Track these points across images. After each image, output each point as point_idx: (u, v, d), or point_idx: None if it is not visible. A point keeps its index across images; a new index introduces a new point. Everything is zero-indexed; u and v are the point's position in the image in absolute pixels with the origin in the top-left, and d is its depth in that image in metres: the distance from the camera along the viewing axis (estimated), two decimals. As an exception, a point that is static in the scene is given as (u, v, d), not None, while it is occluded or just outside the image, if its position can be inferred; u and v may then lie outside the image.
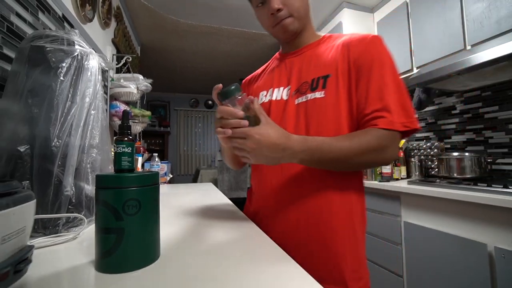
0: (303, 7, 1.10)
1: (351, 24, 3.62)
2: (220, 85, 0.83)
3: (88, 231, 0.96)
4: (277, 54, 1.30)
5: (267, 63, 1.35)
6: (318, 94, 1.03)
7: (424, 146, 3.29)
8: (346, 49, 1.06)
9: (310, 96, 1.05)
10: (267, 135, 0.81)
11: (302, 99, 1.07)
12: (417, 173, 3.10)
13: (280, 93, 1.14)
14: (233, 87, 0.82)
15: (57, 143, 0.92)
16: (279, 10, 1.05)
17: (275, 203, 1.09)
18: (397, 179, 2.99)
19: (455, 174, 2.49)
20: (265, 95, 1.19)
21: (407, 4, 3.09)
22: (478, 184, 2.12)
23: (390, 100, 0.94)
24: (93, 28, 2.51)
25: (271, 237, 0.91)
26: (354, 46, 1.05)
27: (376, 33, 3.47)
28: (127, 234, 0.64)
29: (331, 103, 1.02)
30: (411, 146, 3.50)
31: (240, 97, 0.84)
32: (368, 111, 0.96)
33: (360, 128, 1.00)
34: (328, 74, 1.04)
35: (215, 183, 5.69)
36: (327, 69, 1.06)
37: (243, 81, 1.37)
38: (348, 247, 1.03)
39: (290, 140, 0.85)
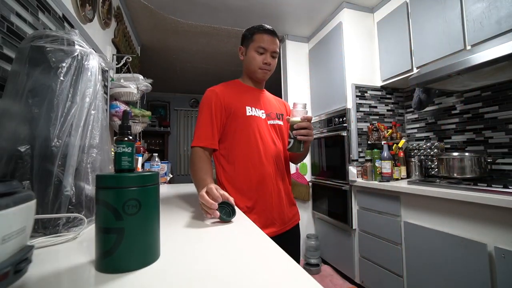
0: (274, 70, 1.78)
1: (351, 25, 3.62)
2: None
3: (88, 231, 0.96)
4: (238, 82, 1.85)
5: (232, 83, 1.83)
6: (280, 122, 1.83)
7: (424, 146, 3.30)
8: (284, 105, 2.00)
9: (278, 122, 1.81)
10: None
11: (273, 122, 1.78)
12: (417, 173, 3.09)
13: (258, 113, 1.74)
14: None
15: (57, 143, 0.92)
16: (269, 64, 1.70)
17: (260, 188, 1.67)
18: (397, 179, 2.99)
19: (455, 174, 2.49)
20: (250, 109, 1.71)
21: (407, 4, 3.09)
22: (478, 184, 2.12)
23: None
24: (93, 28, 2.51)
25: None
26: (286, 107, 2.01)
27: (376, 33, 3.50)
28: (127, 234, 0.64)
29: (285, 128, 1.84)
30: (411, 146, 3.51)
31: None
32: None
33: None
34: (282, 113, 1.88)
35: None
36: (279, 110, 1.88)
37: (213, 89, 1.73)
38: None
39: None
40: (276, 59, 1.75)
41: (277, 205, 1.68)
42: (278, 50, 1.73)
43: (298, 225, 1.85)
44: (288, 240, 1.70)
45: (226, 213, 1.14)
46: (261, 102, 1.79)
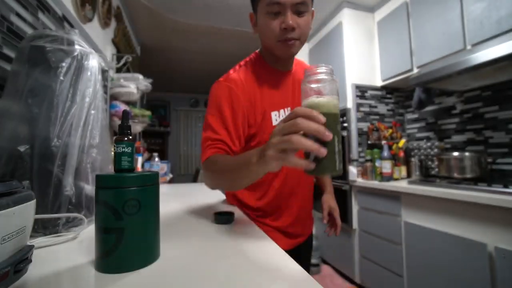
0: (308, 34, 1.16)
1: (351, 24, 3.62)
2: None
3: (88, 231, 0.96)
4: (259, 61, 1.30)
5: (251, 65, 1.29)
6: None
7: (424, 146, 3.30)
8: None
9: None
10: None
11: None
12: (417, 173, 3.09)
13: (286, 113, 1.23)
14: None
15: (57, 143, 0.92)
16: (293, 29, 1.07)
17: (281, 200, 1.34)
18: (397, 179, 3.00)
19: (455, 174, 2.49)
20: (277, 116, 1.24)
21: (407, 4, 3.08)
22: (478, 184, 2.12)
23: None
24: (93, 28, 2.52)
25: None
26: None
27: (376, 33, 3.49)
28: (127, 234, 0.64)
29: None
30: (411, 146, 3.51)
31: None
32: None
33: None
34: None
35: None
36: None
37: (228, 85, 1.19)
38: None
39: None
40: (308, 16, 1.12)
41: (300, 217, 1.42)
42: (307, 1, 1.09)
43: (312, 234, 1.59)
44: (305, 249, 1.52)
45: (225, 219, 1.09)
46: (289, 95, 1.30)
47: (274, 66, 1.29)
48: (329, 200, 1.65)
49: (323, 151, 0.62)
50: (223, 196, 1.80)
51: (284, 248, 0.86)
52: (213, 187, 1.13)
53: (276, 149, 0.68)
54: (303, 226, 1.45)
